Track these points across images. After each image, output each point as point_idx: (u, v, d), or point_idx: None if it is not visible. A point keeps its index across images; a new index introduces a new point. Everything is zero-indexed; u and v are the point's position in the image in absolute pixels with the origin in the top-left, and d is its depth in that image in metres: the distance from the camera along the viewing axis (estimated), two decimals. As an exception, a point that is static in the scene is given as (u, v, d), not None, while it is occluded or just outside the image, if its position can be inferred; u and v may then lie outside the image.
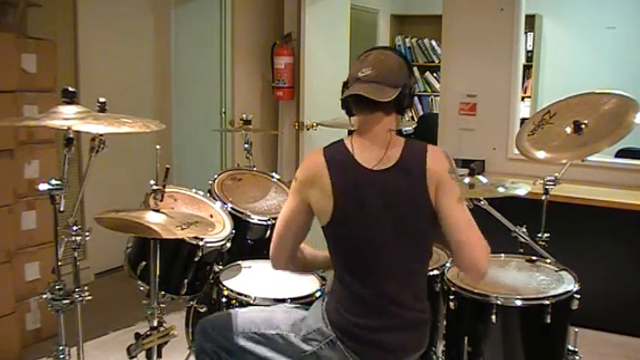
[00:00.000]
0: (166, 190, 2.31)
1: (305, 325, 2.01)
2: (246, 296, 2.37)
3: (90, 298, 2.27)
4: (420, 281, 2.06)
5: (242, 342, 2.07)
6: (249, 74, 4.88)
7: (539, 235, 2.72)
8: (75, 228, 2.24)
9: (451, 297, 2.40)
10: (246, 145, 3.40)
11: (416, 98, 7.42)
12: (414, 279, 2.04)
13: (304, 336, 1.99)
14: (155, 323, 2.28)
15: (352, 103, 2.04)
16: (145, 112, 4.77)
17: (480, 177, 2.75)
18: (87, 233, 2.26)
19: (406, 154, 1.98)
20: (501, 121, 4.38)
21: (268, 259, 2.17)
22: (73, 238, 2.23)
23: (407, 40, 7.43)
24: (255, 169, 3.32)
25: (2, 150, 3.29)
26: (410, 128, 5.01)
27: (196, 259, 2.50)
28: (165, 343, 2.32)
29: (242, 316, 2.14)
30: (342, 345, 1.94)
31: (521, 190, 2.67)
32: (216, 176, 3.07)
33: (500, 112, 4.38)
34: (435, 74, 7.24)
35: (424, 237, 2.04)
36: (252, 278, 2.60)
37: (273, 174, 3.29)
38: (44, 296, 2.21)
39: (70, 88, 2.19)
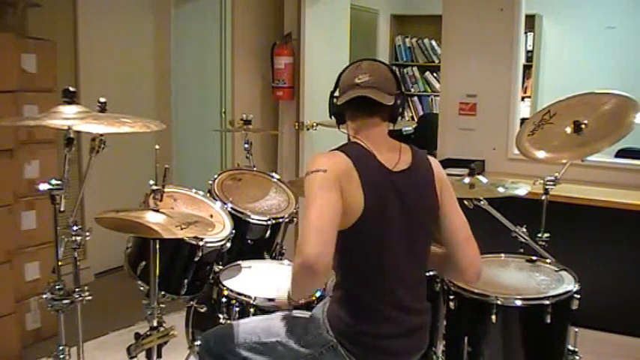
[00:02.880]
0: (166, 190, 2.31)
1: (305, 332, 2.00)
2: (246, 296, 2.37)
3: (90, 298, 2.27)
4: (423, 284, 2.07)
5: (244, 353, 2.06)
6: (249, 74, 4.88)
7: (539, 235, 2.72)
8: (75, 228, 2.23)
9: (451, 297, 2.40)
10: (246, 145, 3.40)
11: (416, 98, 7.44)
12: (419, 283, 2.05)
13: (305, 342, 1.98)
14: (155, 323, 2.28)
15: (349, 109, 2.02)
16: (145, 112, 4.77)
17: (480, 177, 2.75)
18: (87, 233, 2.26)
19: (416, 158, 2.02)
20: (501, 121, 4.38)
21: (268, 259, 2.15)
22: (73, 238, 2.23)
23: (407, 40, 7.43)
24: (255, 169, 3.32)
25: (2, 150, 3.29)
26: (410, 128, 5.01)
27: (196, 259, 2.50)
28: (165, 343, 2.32)
29: (243, 327, 2.13)
30: (344, 350, 1.93)
31: (521, 190, 2.67)
32: (216, 176, 3.07)
33: (500, 112, 4.37)
34: (435, 74, 7.23)
35: (428, 241, 2.06)
36: (252, 278, 2.60)
37: (273, 174, 3.29)
38: (44, 296, 2.21)
39: (71, 88, 2.19)
